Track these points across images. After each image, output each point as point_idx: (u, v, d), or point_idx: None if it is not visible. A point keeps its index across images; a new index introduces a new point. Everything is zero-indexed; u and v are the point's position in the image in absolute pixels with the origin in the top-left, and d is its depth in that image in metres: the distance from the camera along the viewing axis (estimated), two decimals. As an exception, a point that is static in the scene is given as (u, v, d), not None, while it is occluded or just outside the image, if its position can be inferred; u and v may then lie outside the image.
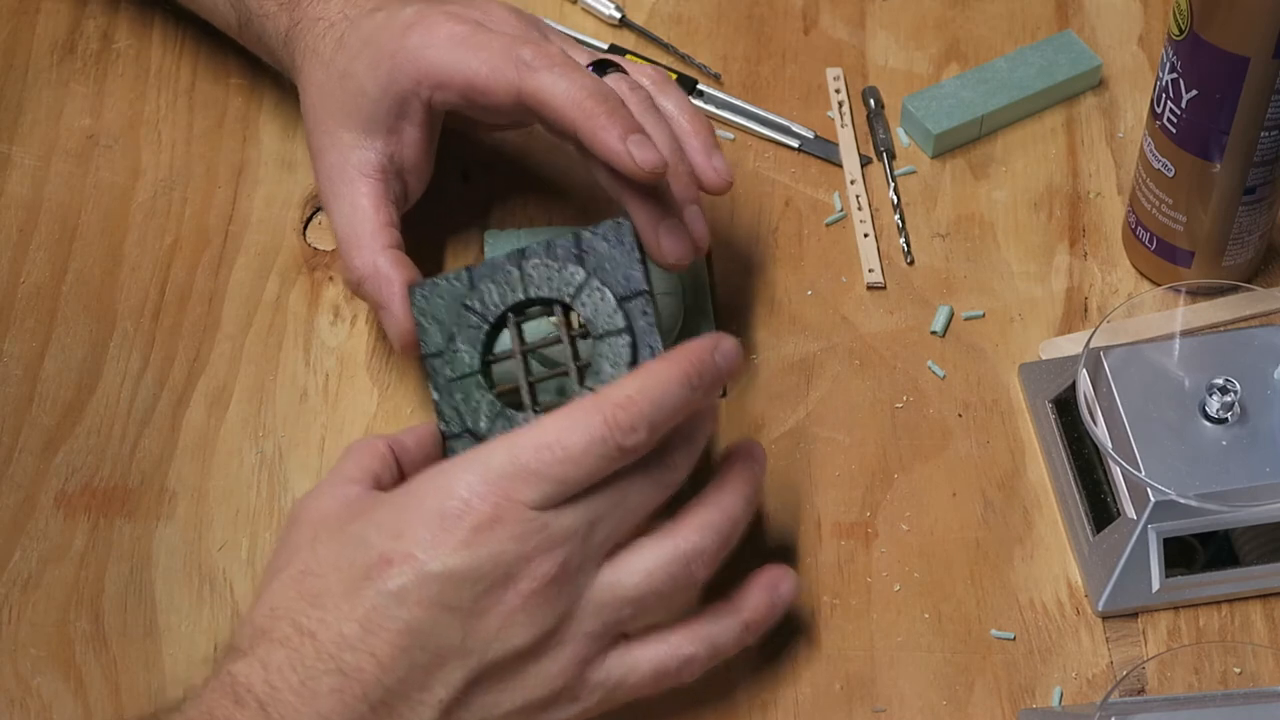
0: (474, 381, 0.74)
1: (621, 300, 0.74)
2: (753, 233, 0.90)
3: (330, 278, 0.89)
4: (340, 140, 0.82)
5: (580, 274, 0.74)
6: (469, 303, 0.75)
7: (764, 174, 0.93)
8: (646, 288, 0.74)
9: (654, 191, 0.78)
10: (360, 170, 0.82)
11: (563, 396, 0.74)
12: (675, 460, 0.70)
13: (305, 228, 0.91)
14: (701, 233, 0.80)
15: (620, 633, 0.70)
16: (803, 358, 0.86)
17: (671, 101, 0.82)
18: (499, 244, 0.88)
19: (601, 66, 0.81)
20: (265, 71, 0.96)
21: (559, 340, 0.75)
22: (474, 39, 0.79)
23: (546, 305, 0.75)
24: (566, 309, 0.75)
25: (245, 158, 0.93)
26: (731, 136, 0.94)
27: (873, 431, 0.83)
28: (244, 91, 0.96)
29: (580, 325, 0.75)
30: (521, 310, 0.75)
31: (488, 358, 0.75)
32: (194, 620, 0.78)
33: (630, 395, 0.68)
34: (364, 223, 0.81)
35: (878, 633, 0.77)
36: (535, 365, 0.75)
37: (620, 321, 0.74)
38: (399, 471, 0.73)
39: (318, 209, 0.91)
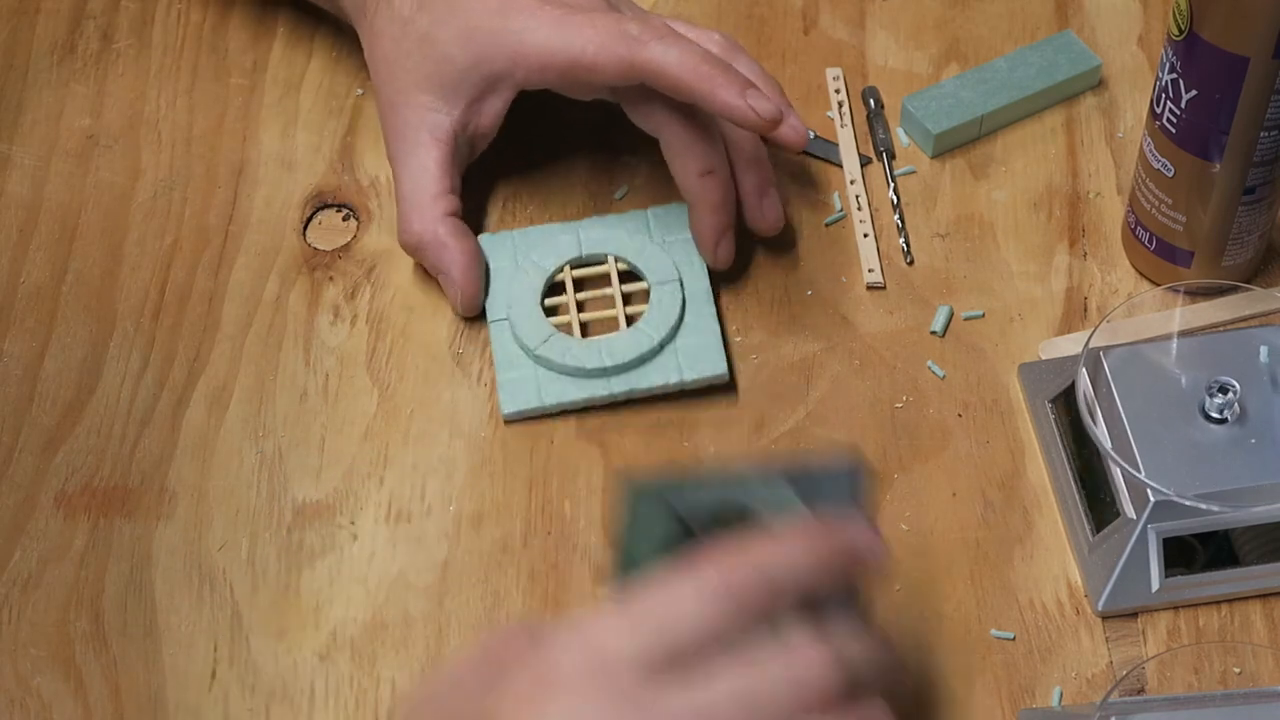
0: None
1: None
2: (752, 233, 0.90)
3: (330, 278, 0.89)
4: (416, 100, 0.85)
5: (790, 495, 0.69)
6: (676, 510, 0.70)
7: (764, 174, 0.93)
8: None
9: (723, 204, 0.84)
10: (432, 133, 0.85)
11: None
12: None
13: (305, 228, 0.91)
14: (778, 215, 0.87)
15: None
16: (803, 358, 0.86)
17: (743, 66, 0.86)
18: (494, 246, 0.88)
19: None
20: (265, 71, 0.96)
21: None
22: (574, 19, 0.82)
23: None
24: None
25: (245, 158, 0.93)
26: (731, 136, 0.94)
27: (873, 431, 0.83)
28: (244, 91, 0.96)
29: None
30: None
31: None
32: (194, 620, 0.78)
33: (757, 552, 0.63)
34: (428, 187, 0.85)
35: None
36: None
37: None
38: None
39: (318, 209, 0.91)
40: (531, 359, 0.84)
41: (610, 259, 0.87)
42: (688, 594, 0.61)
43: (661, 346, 0.84)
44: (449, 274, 0.85)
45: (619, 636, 0.60)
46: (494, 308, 0.85)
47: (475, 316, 0.86)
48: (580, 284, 0.87)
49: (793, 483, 0.69)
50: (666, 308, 0.85)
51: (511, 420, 0.83)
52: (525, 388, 0.83)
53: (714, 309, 0.86)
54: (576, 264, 0.87)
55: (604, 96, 0.86)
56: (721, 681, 0.60)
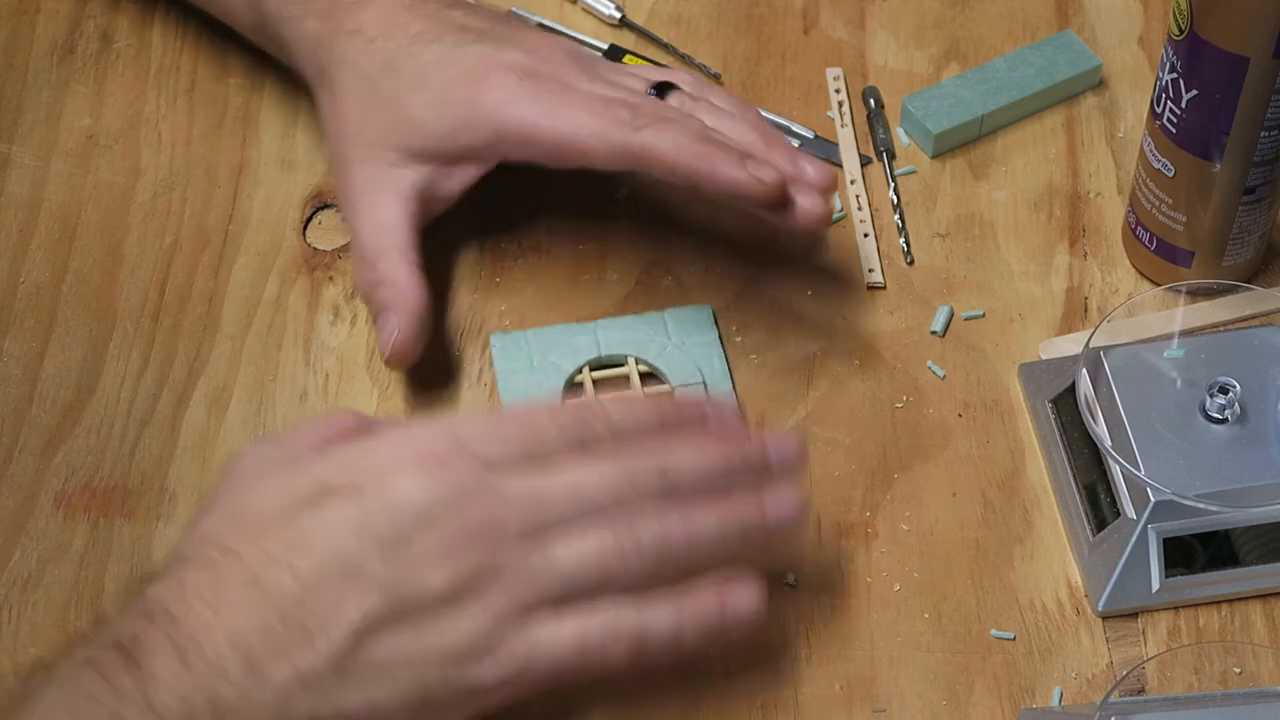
0: None
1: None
2: (753, 233, 0.90)
3: (330, 278, 0.89)
4: (382, 156, 0.83)
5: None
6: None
7: (764, 174, 0.93)
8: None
9: (710, 155, 0.80)
10: (397, 188, 0.83)
11: None
12: (659, 510, 0.70)
13: (305, 228, 0.91)
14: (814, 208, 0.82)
15: (548, 604, 0.69)
16: (803, 358, 0.86)
17: (721, 102, 0.84)
18: (509, 346, 0.85)
19: (661, 88, 0.83)
20: (265, 71, 0.96)
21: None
22: (561, 98, 0.81)
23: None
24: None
25: (245, 158, 0.93)
26: (731, 136, 0.94)
27: (873, 431, 0.83)
28: (244, 91, 0.96)
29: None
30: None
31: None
32: (194, 620, 0.78)
33: (603, 402, 0.72)
34: (392, 235, 0.83)
35: (878, 633, 0.77)
36: None
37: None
38: None
39: (318, 209, 0.91)
40: None
41: (631, 360, 0.84)
42: (545, 417, 0.70)
43: None
44: (396, 311, 0.81)
45: (478, 435, 0.69)
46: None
47: (473, 319, 0.86)
48: (599, 385, 0.83)
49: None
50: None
51: None
52: None
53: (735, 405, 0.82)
54: (596, 365, 0.84)
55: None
56: (560, 474, 0.69)
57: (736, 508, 0.71)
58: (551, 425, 0.70)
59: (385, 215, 0.83)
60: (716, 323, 0.86)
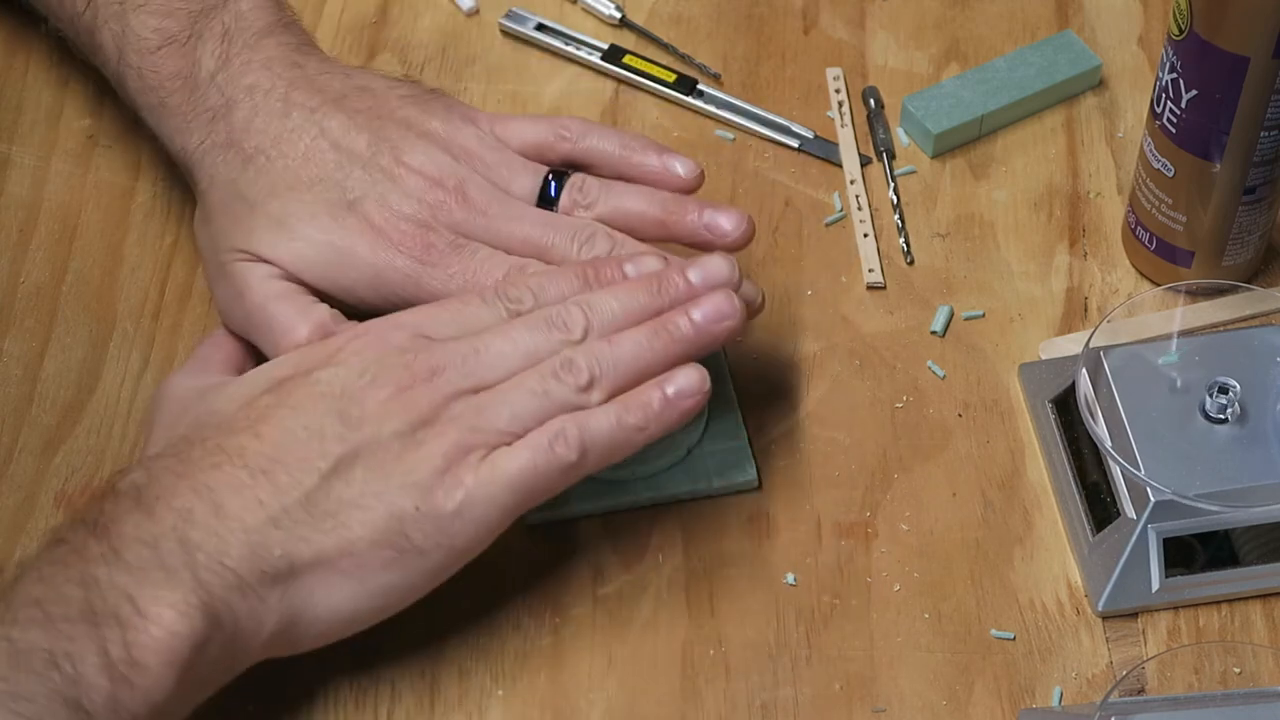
0: None
1: None
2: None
3: (330, 278, 0.88)
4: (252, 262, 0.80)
5: None
6: None
7: (764, 174, 0.93)
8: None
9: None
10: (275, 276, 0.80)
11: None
12: (583, 341, 0.74)
13: (305, 228, 0.91)
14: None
15: (502, 438, 0.72)
16: (803, 358, 0.86)
17: (600, 141, 0.83)
18: None
19: (559, 176, 0.81)
20: (265, 71, 0.96)
21: None
22: (461, 270, 0.78)
23: None
24: None
25: (245, 158, 0.93)
26: (731, 136, 0.94)
27: (873, 431, 0.83)
28: (244, 91, 0.96)
29: None
30: None
31: None
32: (194, 620, 0.77)
33: (525, 277, 0.76)
34: (294, 293, 0.79)
35: (878, 633, 0.77)
36: None
37: None
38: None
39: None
40: None
41: None
42: (474, 298, 0.75)
43: (689, 452, 0.81)
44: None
45: (414, 319, 0.75)
46: None
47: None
48: None
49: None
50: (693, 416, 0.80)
51: (536, 525, 0.80)
52: (556, 497, 0.76)
53: (737, 409, 0.83)
54: None
55: None
56: (493, 332, 0.74)
57: (664, 320, 0.75)
58: (481, 304, 0.75)
59: (270, 282, 0.79)
60: None
